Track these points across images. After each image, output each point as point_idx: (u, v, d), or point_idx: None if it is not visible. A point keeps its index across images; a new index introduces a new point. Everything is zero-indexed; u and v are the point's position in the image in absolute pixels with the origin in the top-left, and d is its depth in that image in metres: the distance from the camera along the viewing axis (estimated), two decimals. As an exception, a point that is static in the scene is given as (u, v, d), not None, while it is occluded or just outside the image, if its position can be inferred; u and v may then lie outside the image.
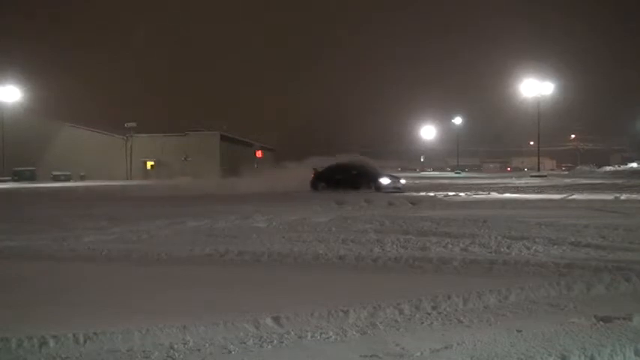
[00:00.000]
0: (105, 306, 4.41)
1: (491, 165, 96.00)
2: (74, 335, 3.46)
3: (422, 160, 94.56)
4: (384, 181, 20.83)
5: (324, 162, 23.20)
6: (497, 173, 65.48)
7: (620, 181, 28.35)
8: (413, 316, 3.97)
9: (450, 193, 18.82)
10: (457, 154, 76.75)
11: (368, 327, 3.72)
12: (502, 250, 6.62)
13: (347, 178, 20.56)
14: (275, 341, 3.46)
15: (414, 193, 18.97)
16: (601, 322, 3.74)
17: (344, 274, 5.56)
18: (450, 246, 6.90)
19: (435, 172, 60.23)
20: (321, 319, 3.89)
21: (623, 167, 52.87)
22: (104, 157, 50.53)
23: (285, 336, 3.54)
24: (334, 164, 22.47)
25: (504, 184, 26.77)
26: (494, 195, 18.06)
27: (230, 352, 3.30)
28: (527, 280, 4.95)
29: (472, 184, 26.74)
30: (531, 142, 79.29)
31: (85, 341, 3.42)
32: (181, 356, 3.24)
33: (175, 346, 3.35)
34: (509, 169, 74.44)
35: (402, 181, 21.76)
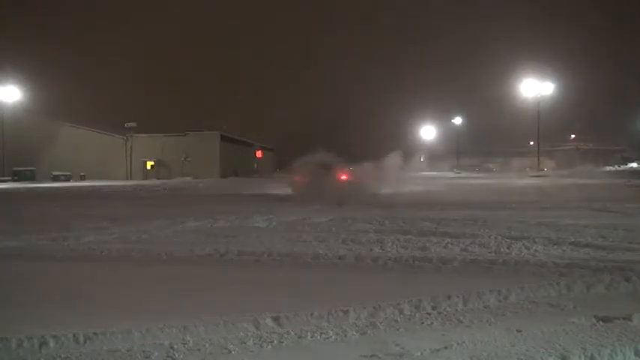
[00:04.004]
0: (105, 306, 4.41)
1: (490, 165, 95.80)
2: (74, 335, 3.46)
3: (421, 159, 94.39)
4: None
5: None
6: (500, 173, 65.29)
7: (620, 181, 28.36)
8: (413, 316, 3.97)
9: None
10: (457, 154, 76.77)
11: (368, 327, 3.72)
12: (502, 250, 6.62)
13: None
14: (275, 341, 3.46)
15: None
16: (601, 322, 3.74)
17: (344, 274, 5.56)
18: (450, 246, 6.90)
19: (435, 172, 60.43)
20: (321, 319, 3.88)
21: (623, 167, 52.96)
22: (104, 157, 50.53)
23: (285, 336, 3.54)
24: None
25: (501, 184, 26.76)
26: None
27: (230, 352, 3.30)
28: (527, 280, 4.95)
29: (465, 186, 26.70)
30: (531, 142, 79.32)
31: (85, 341, 3.42)
32: (181, 356, 3.24)
33: (175, 346, 3.35)
34: None
35: None
